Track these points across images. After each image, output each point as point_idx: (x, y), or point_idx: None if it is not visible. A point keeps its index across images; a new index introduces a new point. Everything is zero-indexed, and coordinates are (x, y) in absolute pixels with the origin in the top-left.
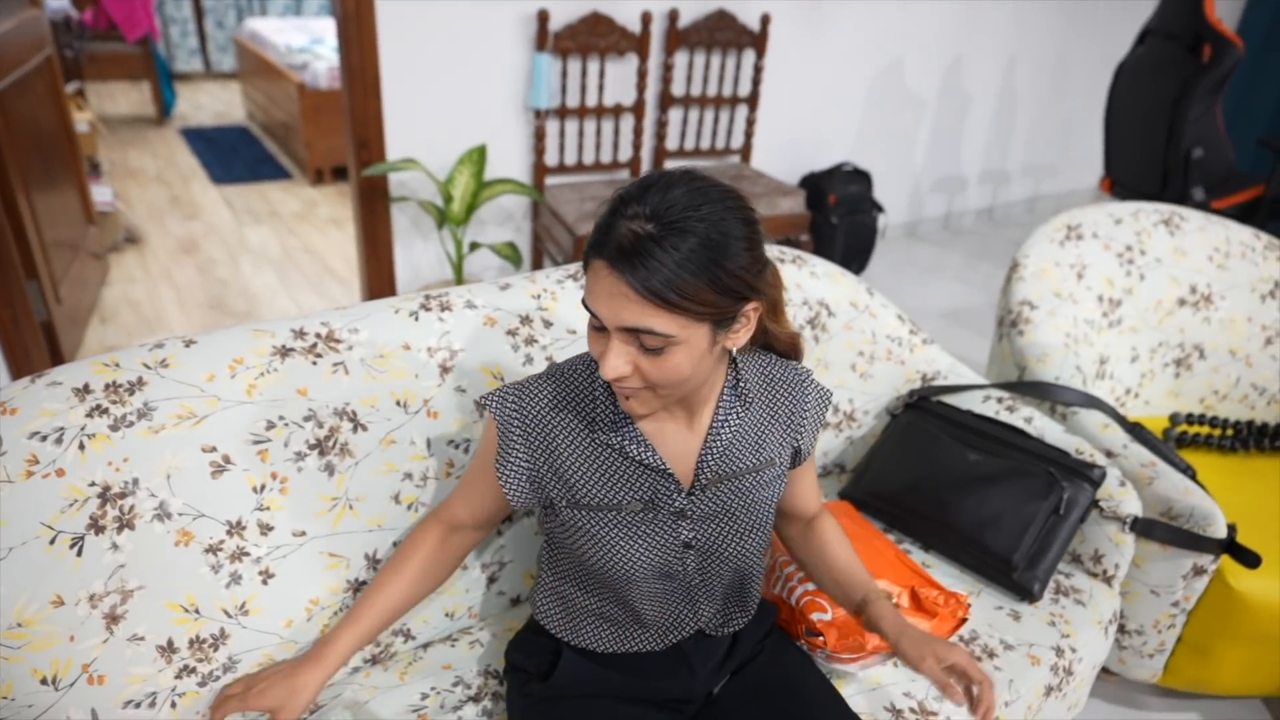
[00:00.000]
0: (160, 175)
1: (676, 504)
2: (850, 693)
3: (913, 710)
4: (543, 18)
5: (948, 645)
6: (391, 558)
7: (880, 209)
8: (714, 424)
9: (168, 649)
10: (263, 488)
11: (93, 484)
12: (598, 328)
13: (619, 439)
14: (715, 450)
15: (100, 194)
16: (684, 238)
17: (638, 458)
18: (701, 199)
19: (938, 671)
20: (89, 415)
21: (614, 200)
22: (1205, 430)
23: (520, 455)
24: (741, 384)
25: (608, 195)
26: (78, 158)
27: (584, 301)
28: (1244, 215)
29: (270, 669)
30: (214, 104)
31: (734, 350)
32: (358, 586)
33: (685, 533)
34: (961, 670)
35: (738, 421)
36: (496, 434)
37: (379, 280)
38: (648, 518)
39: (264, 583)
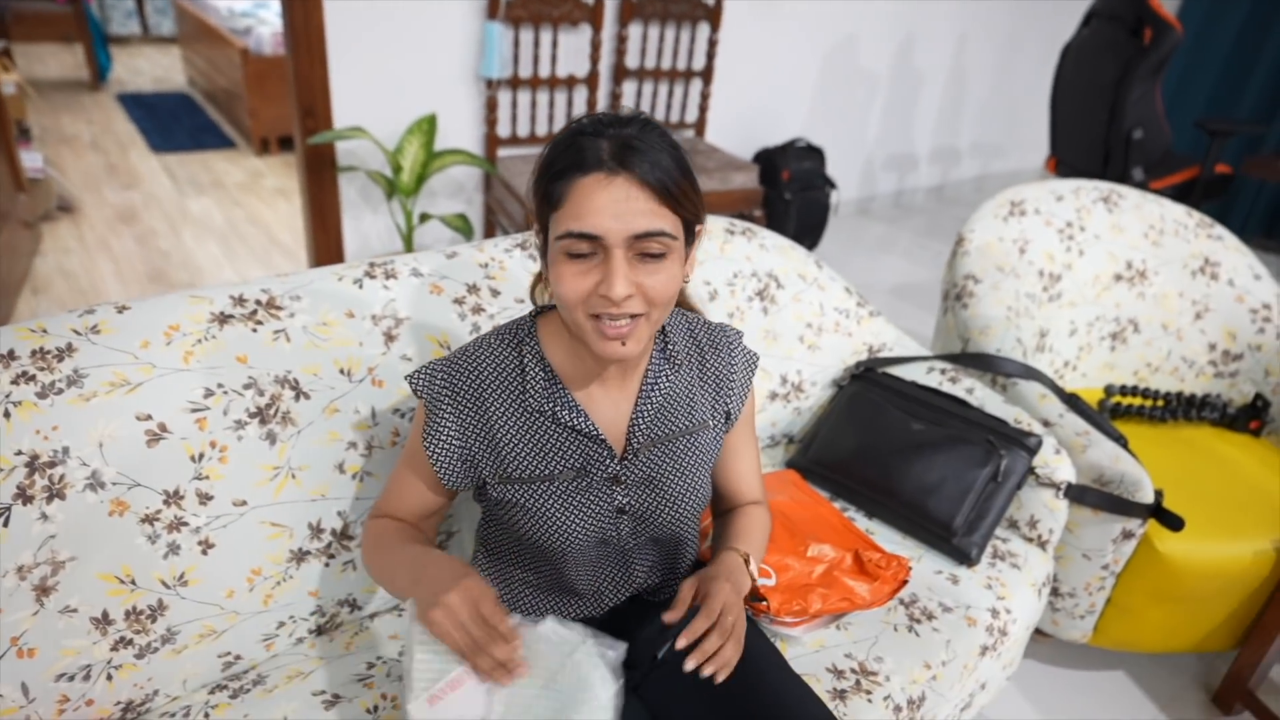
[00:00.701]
0: (96, 142)
1: (610, 470)
2: (793, 655)
3: (853, 670)
4: None
5: (720, 586)
6: (380, 547)
7: (833, 185)
8: (644, 387)
9: (102, 621)
10: (201, 456)
11: (19, 453)
12: (583, 256)
13: (552, 406)
14: (646, 414)
15: (30, 160)
16: (664, 138)
17: (570, 424)
18: (658, 125)
19: (686, 589)
20: (14, 382)
21: (574, 129)
22: (1138, 401)
23: (451, 430)
24: (670, 346)
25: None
26: (5, 121)
27: (567, 231)
28: (1180, 195)
29: (446, 583)
30: (153, 69)
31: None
32: (301, 556)
33: (619, 498)
34: (704, 596)
35: (668, 384)
36: (424, 417)
37: (327, 252)
38: (581, 485)
39: (204, 553)
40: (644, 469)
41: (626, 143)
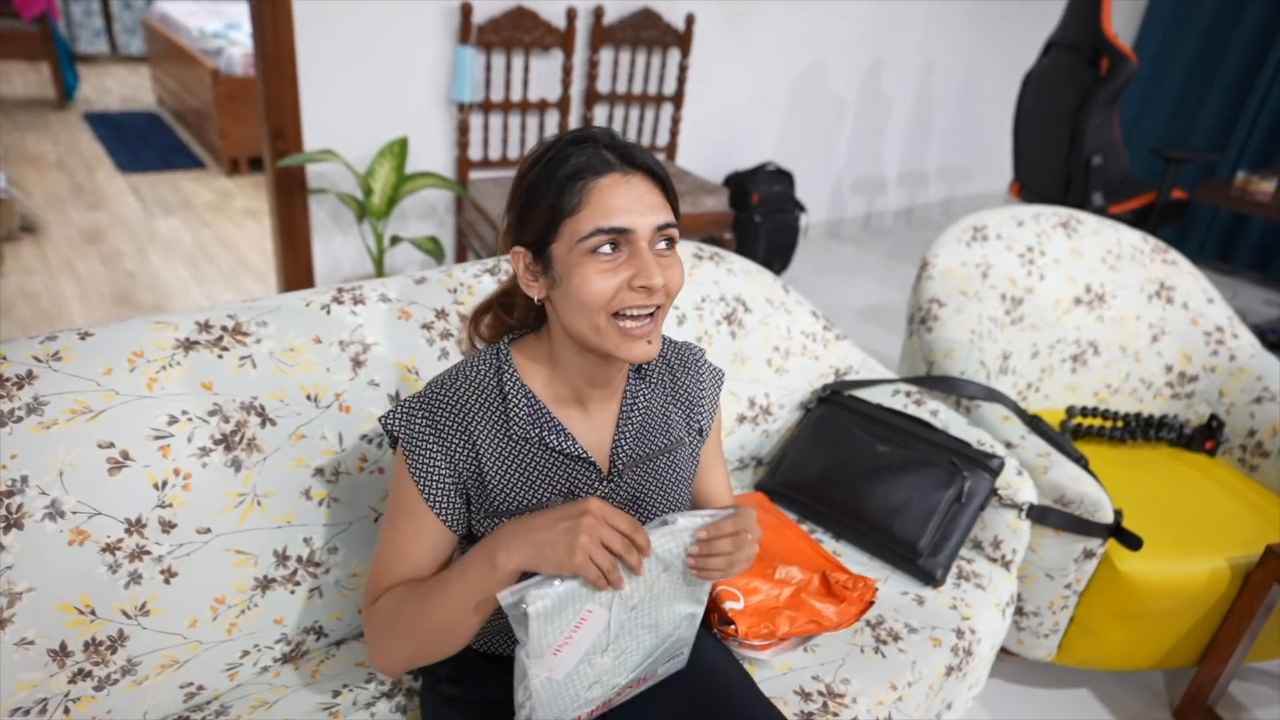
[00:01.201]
0: (61, 161)
1: (597, 491)
2: (762, 678)
3: (820, 693)
4: (466, 10)
5: (750, 512)
6: (406, 605)
7: (802, 208)
8: (624, 407)
9: (60, 653)
10: (164, 484)
11: None
12: (610, 253)
13: (538, 431)
14: (628, 433)
15: None
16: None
17: (558, 448)
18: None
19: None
20: None
21: (567, 145)
22: (1098, 422)
23: (443, 468)
24: (643, 366)
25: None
26: None
27: (597, 230)
28: (1138, 220)
29: (531, 527)
30: (121, 88)
31: None
32: (266, 584)
33: None
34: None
35: (645, 403)
36: (406, 458)
37: (296, 274)
38: None
39: (166, 582)
40: (629, 489)
41: (625, 147)
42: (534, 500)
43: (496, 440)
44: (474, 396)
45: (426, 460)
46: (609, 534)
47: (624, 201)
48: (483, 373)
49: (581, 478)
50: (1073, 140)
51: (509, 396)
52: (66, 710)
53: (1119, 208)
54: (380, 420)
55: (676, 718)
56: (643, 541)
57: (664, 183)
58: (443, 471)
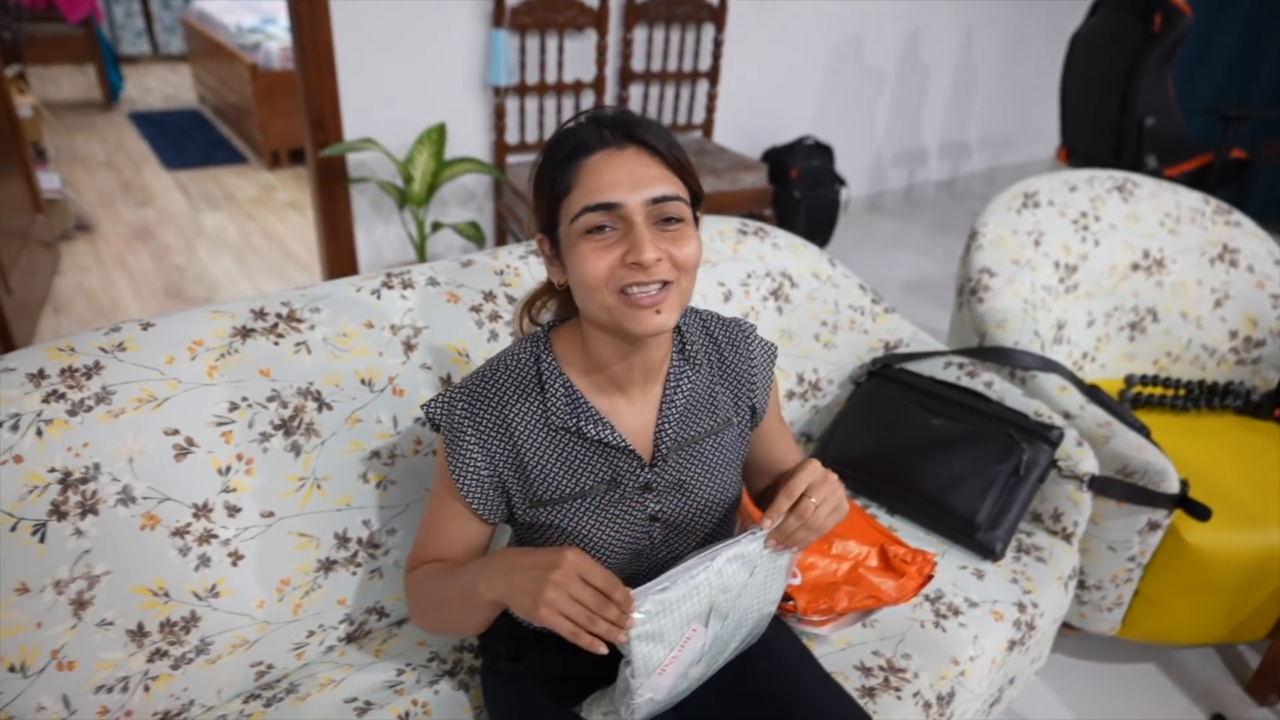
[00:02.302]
0: (110, 161)
1: (641, 478)
2: (821, 653)
3: (881, 668)
4: None
5: (805, 466)
6: (428, 585)
7: (842, 182)
8: (667, 390)
9: (138, 633)
10: (228, 469)
11: (53, 470)
12: (599, 231)
13: (576, 421)
14: (672, 417)
15: (47, 181)
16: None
17: (596, 437)
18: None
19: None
20: (45, 401)
21: (568, 128)
22: (1159, 391)
23: (479, 459)
24: (688, 346)
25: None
26: (22, 144)
27: (584, 207)
28: (1195, 182)
29: (544, 565)
30: (163, 87)
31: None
32: (329, 566)
33: (652, 505)
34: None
35: (690, 385)
36: (446, 446)
37: (340, 264)
38: (613, 498)
39: (234, 564)
40: (673, 473)
41: (624, 120)
42: (577, 488)
43: (536, 430)
44: (513, 387)
45: (463, 452)
46: (579, 589)
47: (613, 176)
48: (522, 361)
49: (623, 466)
50: (1124, 102)
51: (547, 386)
52: (146, 688)
53: (1174, 170)
54: (423, 408)
55: (737, 696)
56: (620, 598)
57: (666, 154)
58: (479, 464)
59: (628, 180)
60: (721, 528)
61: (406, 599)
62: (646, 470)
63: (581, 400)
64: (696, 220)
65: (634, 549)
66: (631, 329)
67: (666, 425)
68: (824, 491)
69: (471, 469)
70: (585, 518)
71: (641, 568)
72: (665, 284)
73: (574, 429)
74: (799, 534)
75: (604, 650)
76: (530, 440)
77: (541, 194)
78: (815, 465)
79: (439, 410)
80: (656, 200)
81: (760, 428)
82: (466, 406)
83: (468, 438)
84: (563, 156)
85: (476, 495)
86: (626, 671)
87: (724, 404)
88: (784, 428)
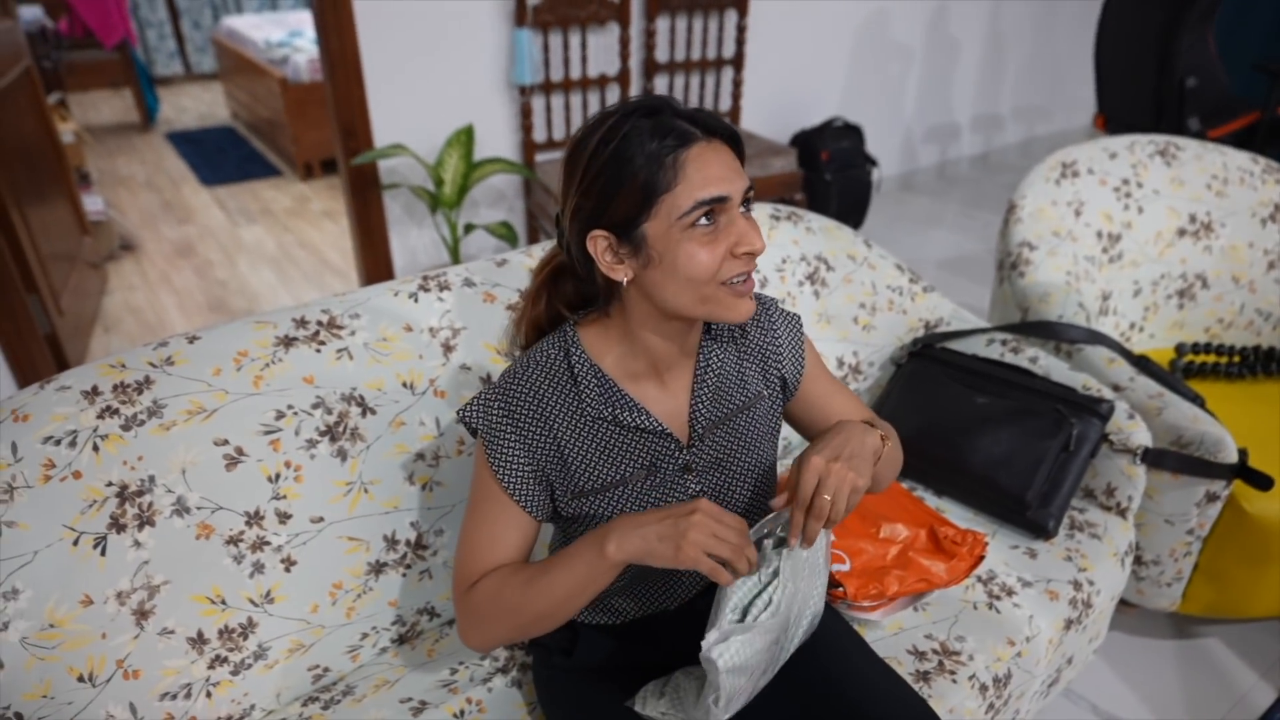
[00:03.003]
0: (150, 181)
1: (680, 460)
2: (873, 639)
3: (935, 651)
4: None
5: (805, 459)
6: (509, 590)
7: (873, 162)
8: (698, 370)
9: (198, 640)
10: (278, 477)
11: (110, 484)
12: (708, 228)
13: (612, 410)
14: (704, 397)
15: (92, 204)
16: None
17: (634, 424)
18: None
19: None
20: (100, 416)
21: (639, 117)
22: (1212, 359)
23: (521, 456)
24: (713, 325)
25: None
26: (66, 169)
27: (699, 202)
28: (1241, 142)
29: (672, 517)
30: (197, 106)
31: None
32: (379, 568)
33: (693, 486)
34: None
35: (719, 363)
36: (486, 448)
37: (376, 270)
38: (654, 483)
39: (287, 570)
40: (711, 452)
41: (698, 115)
42: (618, 476)
43: (573, 422)
44: (546, 382)
45: (505, 451)
46: (721, 530)
47: (718, 170)
48: (552, 357)
49: (661, 450)
50: (1162, 63)
51: (579, 378)
52: (209, 694)
53: (1218, 131)
54: (458, 414)
55: (789, 683)
56: (748, 544)
57: (739, 144)
58: (521, 461)
59: (727, 173)
60: (759, 500)
61: (465, 618)
62: (685, 452)
63: (616, 388)
64: None
65: None
66: (733, 316)
67: (700, 405)
68: (832, 483)
69: (514, 466)
70: (627, 505)
71: None
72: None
73: (610, 418)
74: (825, 525)
75: (730, 580)
76: (569, 432)
77: (621, 189)
78: (814, 464)
79: (475, 414)
80: (747, 189)
81: (804, 394)
82: (503, 406)
83: (508, 436)
84: (654, 151)
85: (523, 492)
86: (710, 699)
87: (753, 379)
88: (836, 387)
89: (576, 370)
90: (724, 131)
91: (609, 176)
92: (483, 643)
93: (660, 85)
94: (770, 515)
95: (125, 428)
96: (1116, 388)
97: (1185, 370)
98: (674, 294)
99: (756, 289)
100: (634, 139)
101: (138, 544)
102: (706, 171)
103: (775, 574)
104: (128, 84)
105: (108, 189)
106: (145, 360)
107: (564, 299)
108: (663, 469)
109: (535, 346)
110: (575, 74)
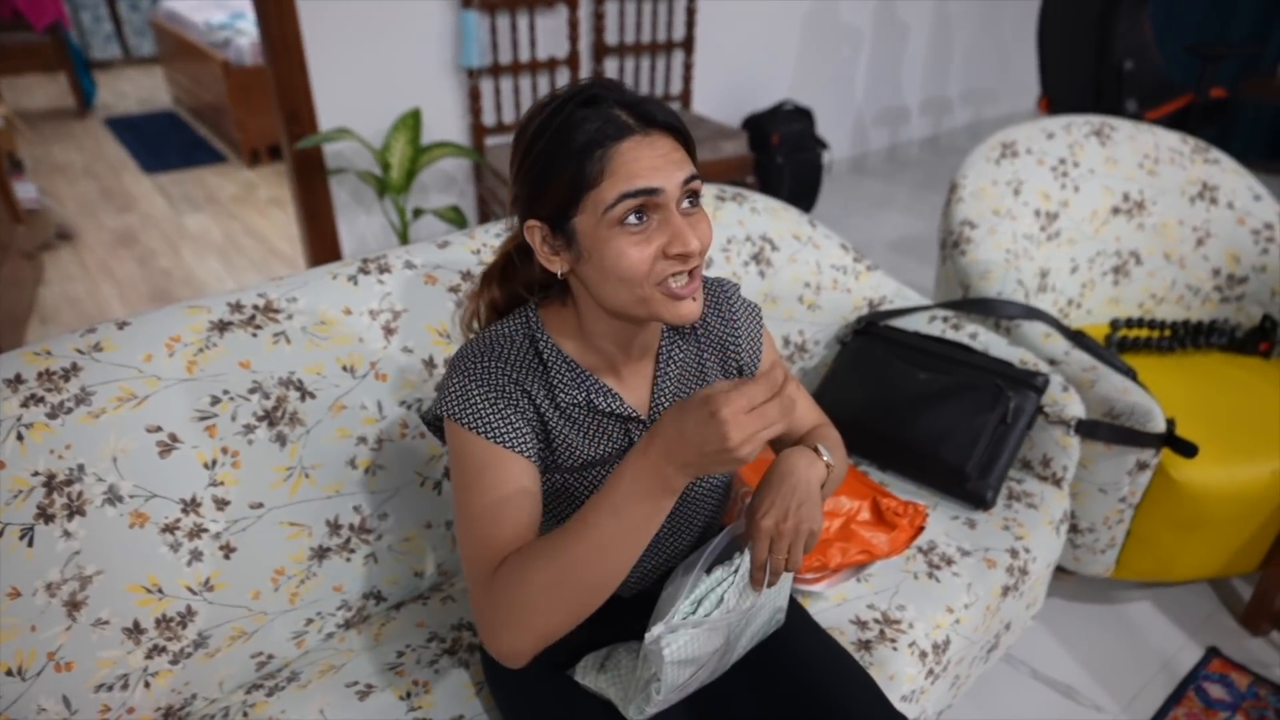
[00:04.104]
0: (88, 168)
1: None
2: (817, 610)
3: (877, 620)
4: None
5: (760, 502)
6: (534, 572)
7: (824, 145)
8: (660, 362)
9: (135, 631)
10: (214, 463)
11: (36, 473)
12: (640, 224)
13: (586, 395)
14: (666, 391)
15: (24, 191)
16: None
17: (607, 409)
18: (621, 83)
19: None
20: (24, 405)
21: (571, 107)
22: (1144, 333)
23: (513, 416)
24: None
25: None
26: None
27: (624, 194)
28: (1176, 123)
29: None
30: (137, 91)
31: None
32: (322, 554)
33: None
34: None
35: (680, 354)
36: (479, 431)
37: (324, 257)
38: None
39: (226, 557)
40: None
41: (639, 104)
42: (597, 455)
43: (548, 402)
44: (515, 360)
45: (490, 415)
46: (759, 413)
47: (649, 162)
48: (516, 338)
49: (635, 435)
50: (1101, 47)
51: (549, 363)
52: (147, 684)
53: (1155, 113)
54: (422, 416)
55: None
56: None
57: (684, 135)
58: (513, 419)
59: (663, 165)
60: (719, 495)
61: (495, 618)
62: None
63: (586, 374)
64: None
65: None
66: (669, 319)
67: (663, 396)
68: (785, 543)
69: (507, 422)
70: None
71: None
72: (692, 271)
73: (584, 402)
74: (778, 567)
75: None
76: (546, 409)
77: (551, 182)
78: (764, 529)
79: (455, 407)
80: (687, 181)
81: None
82: (481, 389)
83: (494, 408)
84: (583, 144)
85: (521, 442)
86: (652, 686)
87: (712, 370)
88: (790, 383)
89: (544, 354)
90: (665, 122)
91: (541, 168)
92: (517, 641)
93: (610, 68)
94: (724, 532)
95: (52, 416)
96: (1052, 362)
97: (1120, 344)
98: (611, 292)
99: (704, 270)
100: (567, 130)
101: (67, 534)
102: (637, 164)
103: (735, 572)
104: (61, 68)
105: (43, 176)
106: (72, 347)
107: (524, 280)
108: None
109: (495, 327)
110: (524, 57)
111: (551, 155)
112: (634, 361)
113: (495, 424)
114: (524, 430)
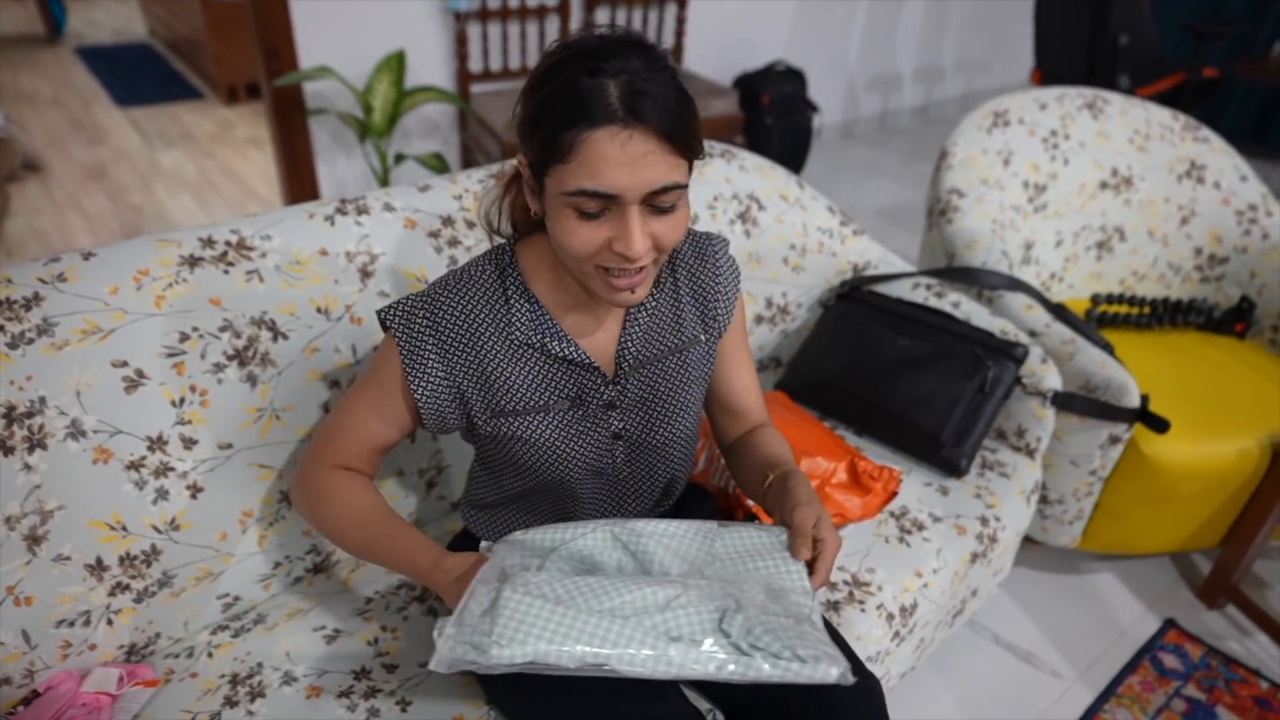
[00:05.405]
0: (57, 98)
1: (604, 395)
2: None
3: (846, 582)
4: None
5: (829, 523)
6: (349, 516)
7: (815, 109)
8: (630, 309)
9: (97, 567)
10: (182, 401)
11: None
12: (594, 214)
13: (541, 338)
14: (635, 335)
15: None
16: (670, 74)
17: (561, 354)
18: (648, 41)
19: (805, 524)
20: None
21: (569, 64)
22: (1124, 309)
23: (438, 371)
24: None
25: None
26: None
27: (579, 189)
28: (1167, 101)
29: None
30: (111, 20)
31: None
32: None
33: (615, 423)
34: (819, 539)
35: (654, 303)
36: (401, 352)
37: (302, 198)
38: (577, 415)
39: (193, 497)
40: (637, 390)
41: (635, 87)
42: (541, 402)
43: (501, 344)
44: (478, 298)
45: (422, 363)
46: None
47: (617, 161)
48: (488, 274)
49: (587, 383)
50: (1096, 20)
51: (512, 301)
52: (110, 622)
53: (1146, 90)
54: (379, 314)
55: None
56: None
57: (678, 136)
58: (437, 375)
59: (629, 168)
60: (679, 444)
61: (317, 496)
62: (610, 387)
63: (546, 317)
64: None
65: (595, 466)
66: (604, 298)
67: (630, 343)
68: (824, 528)
69: (431, 381)
70: (548, 431)
71: (601, 486)
72: (643, 266)
73: (538, 345)
74: (823, 570)
75: None
76: (494, 352)
77: (535, 133)
78: (816, 521)
79: (397, 318)
80: (655, 191)
81: (721, 344)
82: (428, 316)
83: (428, 347)
84: (562, 118)
85: (432, 407)
86: (490, 618)
87: (690, 321)
88: (746, 360)
89: (510, 292)
90: (656, 122)
91: (533, 117)
92: (309, 516)
93: (602, 18)
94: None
95: (12, 346)
96: (1032, 333)
97: (1099, 319)
98: (561, 254)
99: (699, 226)
100: (559, 93)
101: (28, 467)
102: (602, 161)
103: (606, 531)
104: None
105: (9, 104)
106: (34, 276)
107: (520, 209)
108: (587, 402)
109: (472, 260)
110: (514, 2)
111: (542, 110)
112: (600, 304)
113: (421, 378)
114: (440, 393)
